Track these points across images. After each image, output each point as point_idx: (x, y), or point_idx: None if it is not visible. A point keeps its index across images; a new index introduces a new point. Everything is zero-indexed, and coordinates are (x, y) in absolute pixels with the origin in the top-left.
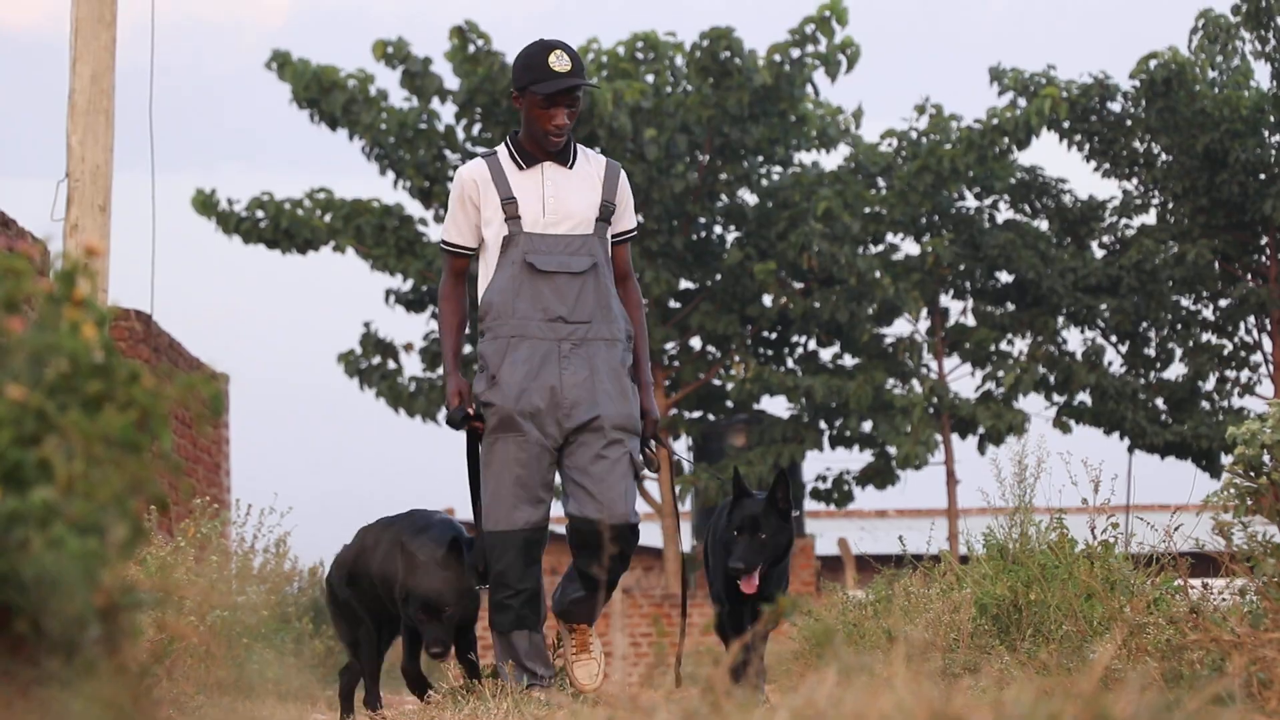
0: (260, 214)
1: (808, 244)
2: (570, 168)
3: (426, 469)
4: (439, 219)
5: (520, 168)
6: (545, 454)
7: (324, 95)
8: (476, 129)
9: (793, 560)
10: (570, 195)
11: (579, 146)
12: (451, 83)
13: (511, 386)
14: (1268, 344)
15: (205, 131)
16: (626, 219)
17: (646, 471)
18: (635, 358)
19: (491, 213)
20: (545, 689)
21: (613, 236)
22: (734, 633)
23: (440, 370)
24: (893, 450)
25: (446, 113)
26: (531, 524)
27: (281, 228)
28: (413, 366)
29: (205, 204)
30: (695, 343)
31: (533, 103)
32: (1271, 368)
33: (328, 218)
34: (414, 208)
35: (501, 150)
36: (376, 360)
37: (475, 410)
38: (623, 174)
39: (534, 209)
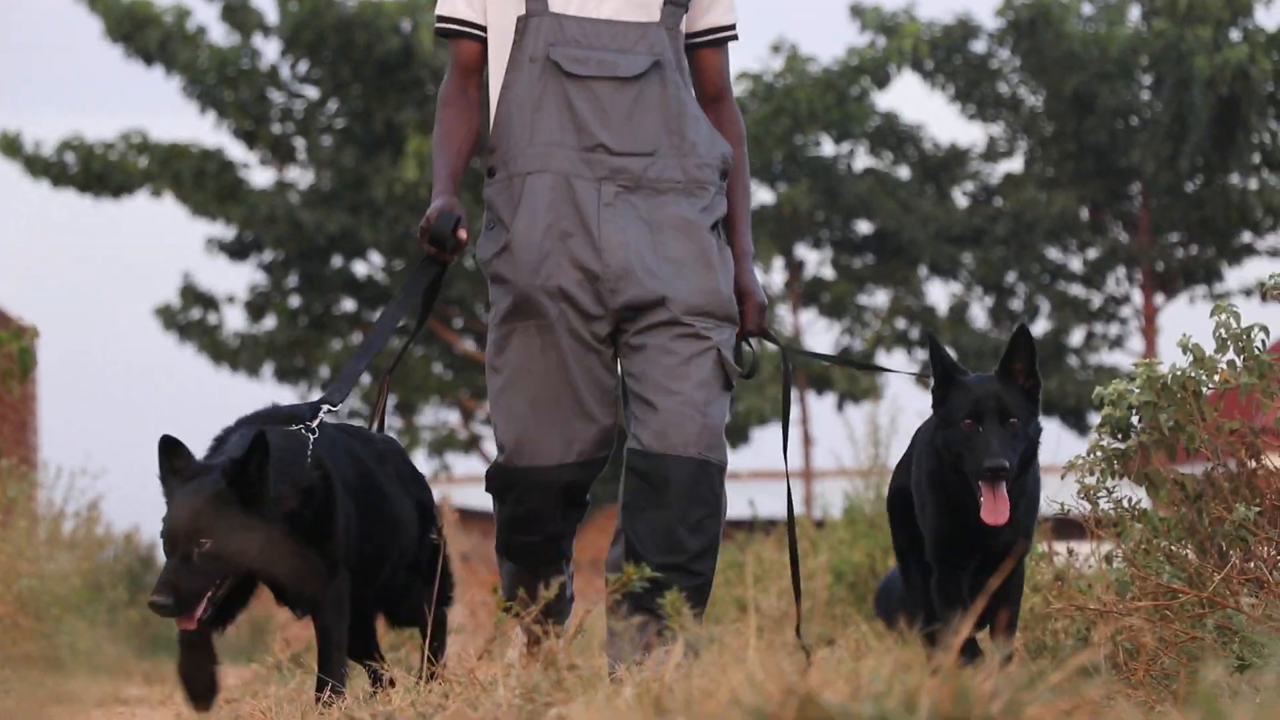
0: (70, 157)
1: None
2: None
3: None
4: (264, 162)
5: None
6: (589, 348)
7: (138, 30)
8: (303, 67)
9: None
10: None
11: None
12: (275, 17)
13: (528, 250)
14: (1138, 297)
15: (10, 69)
16: (720, 7)
17: (740, 376)
18: (731, 213)
19: None
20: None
21: (698, 34)
22: (947, 605)
23: (268, 324)
24: (739, 406)
25: (270, 50)
26: (575, 457)
27: (93, 171)
28: (235, 320)
29: (10, 146)
30: None
31: None
32: (1142, 321)
33: (143, 161)
34: (236, 150)
35: None
36: (196, 313)
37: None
38: None
39: None
